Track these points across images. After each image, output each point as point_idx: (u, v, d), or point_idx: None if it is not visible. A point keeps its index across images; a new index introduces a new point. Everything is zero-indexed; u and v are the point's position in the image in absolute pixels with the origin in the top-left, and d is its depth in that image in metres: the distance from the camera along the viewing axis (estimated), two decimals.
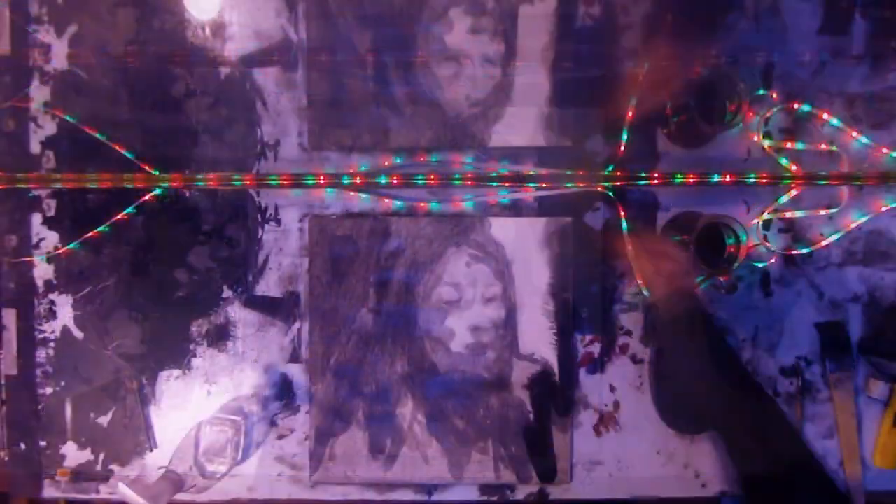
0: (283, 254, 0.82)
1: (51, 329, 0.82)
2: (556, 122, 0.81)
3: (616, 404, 0.83)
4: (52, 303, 0.82)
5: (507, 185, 0.79)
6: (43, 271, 0.82)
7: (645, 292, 0.78)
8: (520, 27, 0.80)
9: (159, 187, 0.79)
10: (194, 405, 0.82)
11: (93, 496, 0.83)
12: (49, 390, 0.82)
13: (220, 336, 0.83)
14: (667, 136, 0.81)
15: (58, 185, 0.80)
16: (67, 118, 0.80)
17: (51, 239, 0.82)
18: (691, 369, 0.71)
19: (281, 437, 0.83)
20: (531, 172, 0.79)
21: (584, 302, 0.83)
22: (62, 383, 0.82)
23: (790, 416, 0.77)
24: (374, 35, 0.80)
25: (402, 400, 0.82)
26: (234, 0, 0.81)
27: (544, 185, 0.79)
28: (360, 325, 0.82)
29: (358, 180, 0.78)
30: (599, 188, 0.79)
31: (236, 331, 0.83)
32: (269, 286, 0.83)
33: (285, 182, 0.78)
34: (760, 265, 0.82)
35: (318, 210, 0.82)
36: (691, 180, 0.78)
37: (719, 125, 0.74)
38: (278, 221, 0.82)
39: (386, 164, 0.81)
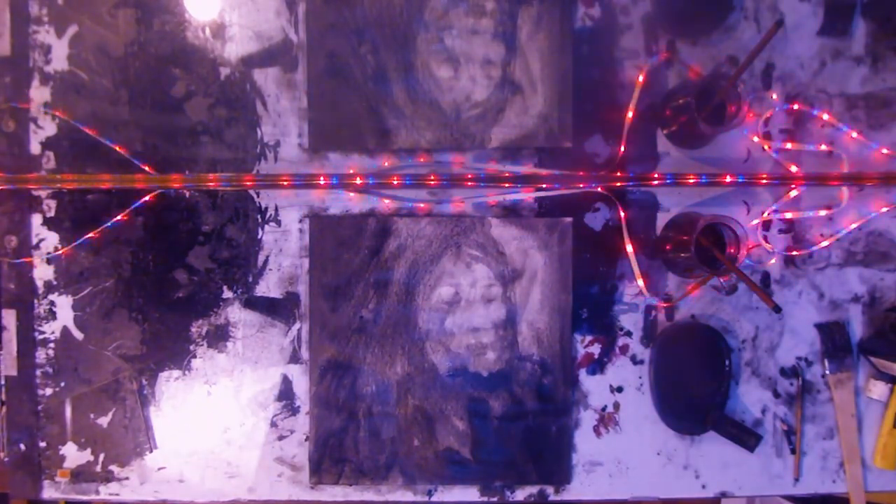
0: (283, 254, 0.82)
1: (51, 330, 0.82)
2: (556, 122, 0.81)
3: (616, 405, 0.83)
4: (52, 303, 0.82)
5: (507, 185, 0.79)
6: (43, 272, 0.82)
7: None
8: (519, 28, 0.80)
9: (159, 188, 0.79)
10: (194, 406, 0.83)
11: (93, 497, 0.83)
12: (49, 391, 0.82)
13: (219, 337, 0.83)
14: (667, 136, 0.82)
15: (58, 186, 0.80)
16: (69, 120, 0.80)
17: (51, 239, 0.82)
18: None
19: (281, 437, 0.83)
20: (531, 173, 0.79)
21: (584, 302, 0.83)
22: (62, 384, 0.82)
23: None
24: (374, 35, 0.80)
25: (402, 400, 0.82)
26: (234, 1, 0.81)
27: (544, 185, 0.79)
28: (360, 326, 0.82)
29: (358, 181, 0.78)
30: (599, 189, 0.79)
31: (236, 332, 0.83)
32: (269, 287, 0.83)
33: (285, 183, 0.78)
34: (761, 266, 0.82)
35: (318, 211, 0.82)
36: (691, 181, 0.78)
37: (719, 126, 0.74)
38: (278, 222, 0.82)
39: (386, 164, 0.81)
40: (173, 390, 0.83)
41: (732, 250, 0.75)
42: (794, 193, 0.81)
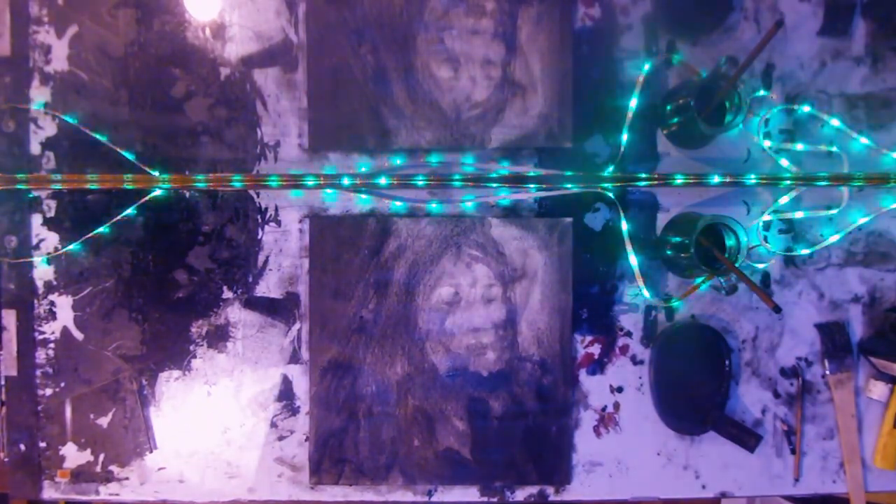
0: (283, 255, 0.82)
1: (50, 330, 0.82)
2: (556, 122, 0.81)
3: (616, 405, 0.83)
4: (52, 303, 0.82)
5: (507, 185, 0.79)
6: (43, 272, 0.82)
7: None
8: (519, 28, 0.80)
9: (159, 188, 0.79)
10: (194, 406, 0.83)
11: (93, 497, 0.83)
12: (49, 391, 0.82)
13: (219, 337, 0.83)
14: (667, 136, 0.82)
15: (58, 186, 0.80)
16: (66, 118, 0.80)
17: (51, 240, 0.82)
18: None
19: (281, 438, 0.83)
20: (531, 173, 0.79)
21: (584, 302, 0.83)
22: (62, 384, 0.82)
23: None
24: (374, 35, 0.80)
25: (402, 401, 0.82)
26: (234, 1, 0.81)
27: (544, 185, 0.79)
28: (360, 326, 0.82)
29: (358, 181, 0.78)
30: (599, 189, 0.79)
31: (236, 332, 0.83)
32: (269, 287, 0.83)
33: (285, 183, 0.78)
34: (761, 266, 0.82)
35: (318, 211, 0.82)
36: (691, 181, 0.78)
37: (719, 126, 0.74)
38: (278, 222, 0.82)
39: (386, 164, 0.81)
40: (173, 390, 0.83)
41: (732, 251, 0.75)
42: (794, 193, 0.81)
